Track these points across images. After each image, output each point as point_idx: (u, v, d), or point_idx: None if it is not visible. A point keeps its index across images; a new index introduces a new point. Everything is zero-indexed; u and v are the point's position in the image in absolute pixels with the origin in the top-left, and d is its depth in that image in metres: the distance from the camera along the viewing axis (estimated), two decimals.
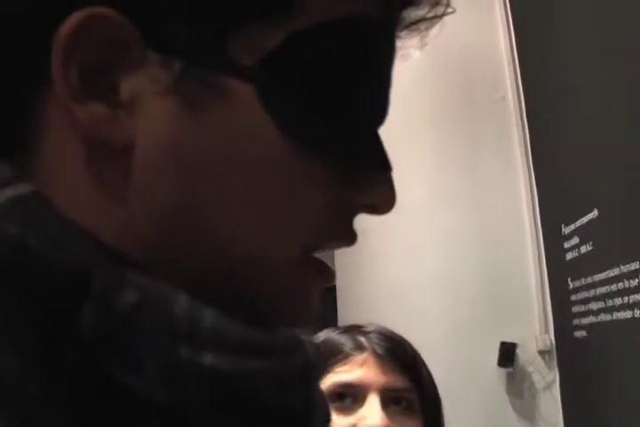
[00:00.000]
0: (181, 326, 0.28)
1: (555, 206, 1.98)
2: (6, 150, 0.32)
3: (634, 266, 1.39)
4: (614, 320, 1.52)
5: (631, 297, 1.41)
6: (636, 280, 1.38)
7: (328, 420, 0.34)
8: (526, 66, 2.18)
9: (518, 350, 2.04)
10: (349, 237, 0.35)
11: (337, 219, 0.34)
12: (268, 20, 0.30)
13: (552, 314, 2.05)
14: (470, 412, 2.00)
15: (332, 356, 0.94)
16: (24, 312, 0.26)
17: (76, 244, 0.28)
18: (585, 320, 1.72)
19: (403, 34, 0.36)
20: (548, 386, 2.05)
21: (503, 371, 2.04)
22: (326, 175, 0.32)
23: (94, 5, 0.28)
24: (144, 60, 0.29)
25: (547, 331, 2.06)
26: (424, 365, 1.01)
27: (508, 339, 2.03)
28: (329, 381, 0.91)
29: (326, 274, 0.35)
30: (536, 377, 2.06)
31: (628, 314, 1.43)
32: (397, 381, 0.95)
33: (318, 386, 0.33)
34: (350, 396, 0.93)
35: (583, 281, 1.72)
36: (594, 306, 1.65)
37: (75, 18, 0.28)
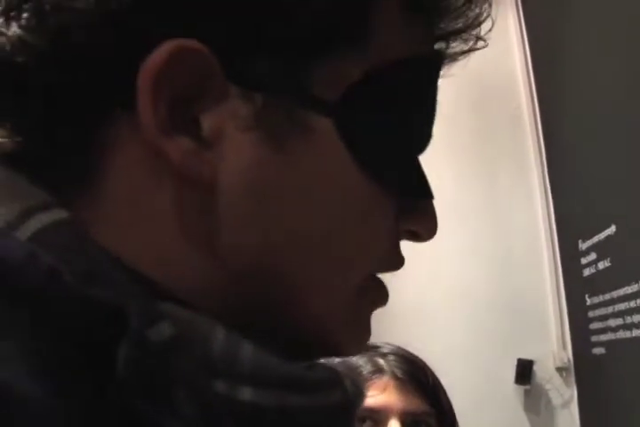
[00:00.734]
0: (219, 361, 0.27)
1: (572, 222, 1.96)
2: (56, 180, 0.30)
3: None
4: (634, 337, 1.50)
5: None
6: None
7: None
8: (541, 79, 2.18)
9: (535, 368, 2.02)
10: (401, 261, 0.36)
11: (394, 247, 0.35)
12: (346, 55, 0.30)
13: (570, 331, 2.03)
14: None
15: None
16: (57, 347, 0.25)
17: (111, 276, 0.27)
18: (603, 337, 1.71)
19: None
20: (566, 404, 2.02)
21: (520, 388, 2.02)
22: (392, 205, 0.33)
23: (178, 37, 0.28)
24: (226, 93, 0.29)
25: (564, 348, 2.04)
26: (442, 388, 1.00)
27: (525, 356, 2.02)
28: None
29: (384, 293, 0.36)
30: (554, 395, 2.04)
31: None
32: (418, 405, 0.95)
33: (356, 421, 0.32)
34: (371, 420, 0.92)
35: (601, 297, 1.71)
36: (612, 323, 1.63)
37: (165, 49, 0.28)
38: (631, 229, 1.51)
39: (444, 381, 2.10)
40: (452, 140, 2.19)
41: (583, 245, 1.81)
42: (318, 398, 0.29)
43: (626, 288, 1.53)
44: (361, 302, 0.34)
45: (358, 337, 0.35)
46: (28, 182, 0.29)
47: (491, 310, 2.07)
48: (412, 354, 1.01)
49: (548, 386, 2.04)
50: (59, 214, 0.28)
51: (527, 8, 2.27)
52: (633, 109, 1.45)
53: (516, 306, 2.07)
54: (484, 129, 2.22)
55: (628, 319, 1.53)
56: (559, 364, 2.03)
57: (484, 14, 0.37)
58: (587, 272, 1.81)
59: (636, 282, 1.46)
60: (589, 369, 1.88)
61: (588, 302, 1.81)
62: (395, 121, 0.33)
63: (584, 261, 1.81)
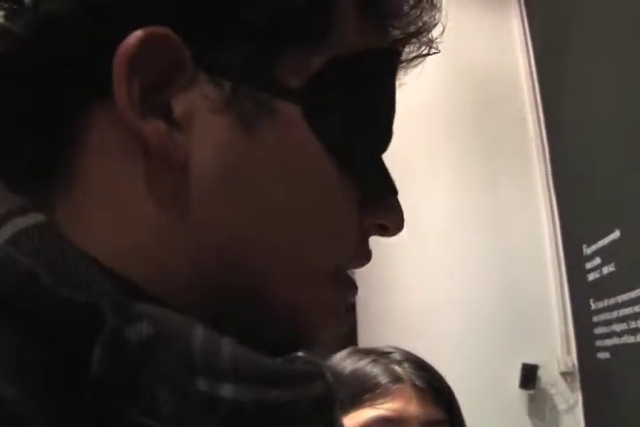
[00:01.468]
0: (199, 359, 0.27)
1: (576, 227, 1.97)
2: (28, 172, 0.32)
3: None
4: (639, 342, 1.50)
5: None
6: None
7: None
8: (545, 86, 2.18)
9: (540, 372, 2.02)
10: (368, 256, 0.37)
11: (362, 238, 0.36)
12: (308, 46, 0.32)
13: (574, 335, 2.03)
14: None
15: (368, 388, 0.90)
16: (33, 348, 0.25)
17: (88, 278, 0.27)
18: (608, 342, 1.71)
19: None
20: (571, 408, 2.02)
21: (525, 393, 2.02)
22: (355, 196, 0.34)
23: (149, 25, 0.29)
24: (195, 79, 0.30)
25: (569, 352, 2.04)
26: (454, 394, 0.99)
27: (530, 360, 2.01)
28: (368, 415, 0.88)
29: (353, 289, 0.36)
30: (558, 399, 2.04)
31: None
32: (436, 413, 0.93)
33: (339, 414, 0.33)
34: None
35: (606, 302, 1.71)
36: (617, 327, 1.63)
37: (137, 36, 0.29)
38: (635, 233, 1.51)
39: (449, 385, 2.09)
40: (455, 147, 2.20)
41: (588, 250, 1.82)
42: (299, 391, 0.30)
43: (630, 293, 1.53)
44: (330, 292, 0.35)
45: (327, 327, 0.36)
46: (3, 188, 0.30)
47: (495, 314, 2.07)
48: (424, 360, 0.99)
49: (552, 391, 2.04)
50: (35, 218, 0.28)
51: (531, 14, 2.27)
52: (637, 115, 1.46)
53: (520, 310, 2.07)
54: (487, 135, 2.22)
55: (633, 324, 1.53)
56: (564, 369, 2.02)
57: (434, 21, 0.39)
58: (591, 277, 1.81)
59: None
60: (594, 374, 1.88)
61: (593, 306, 1.81)
62: (355, 111, 0.34)
63: (589, 265, 1.81)
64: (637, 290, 1.48)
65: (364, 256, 0.37)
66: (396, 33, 0.38)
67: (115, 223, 0.31)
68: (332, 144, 0.33)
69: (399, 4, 0.37)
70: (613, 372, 1.71)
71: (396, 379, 0.92)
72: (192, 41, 0.30)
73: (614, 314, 1.65)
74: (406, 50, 0.39)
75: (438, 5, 0.39)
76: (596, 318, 1.79)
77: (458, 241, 2.14)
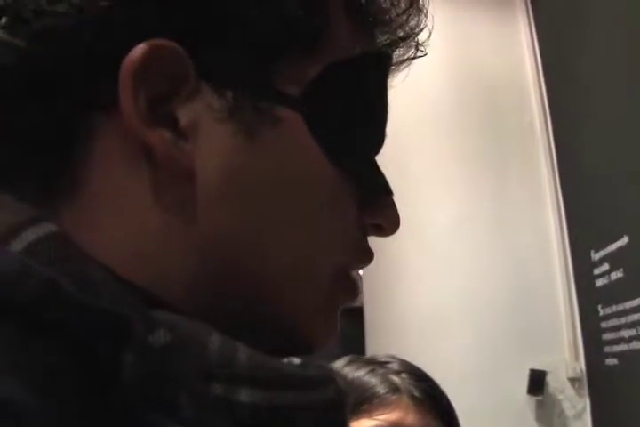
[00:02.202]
0: (215, 364, 0.28)
1: (584, 232, 1.96)
2: (34, 183, 0.32)
3: None
4: None
5: None
6: None
7: None
8: (553, 91, 2.18)
9: (548, 378, 2.01)
10: (371, 255, 0.38)
11: (362, 238, 0.37)
12: (305, 54, 0.33)
13: (582, 341, 2.02)
14: None
15: (366, 398, 0.90)
16: (60, 358, 0.25)
17: (105, 285, 0.28)
18: (616, 348, 1.70)
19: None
20: (579, 414, 2.01)
21: (533, 399, 2.01)
22: (354, 197, 0.36)
23: (153, 37, 0.30)
24: (199, 89, 0.31)
25: (577, 358, 2.03)
26: (452, 406, 0.99)
27: (538, 366, 2.01)
28: (365, 425, 0.88)
29: (355, 293, 0.37)
30: (566, 405, 2.03)
31: None
32: (434, 424, 0.93)
33: (348, 418, 0.33)
34: None
35: (614, 308, 1.70)
36: (625, 333, 1.63)
37: (142, 48, 0.30)
38: None
39: (457, 391, 2.09)
40: (463, 152, 2.20)
41: (596, 256, 1.81)
42: (313, 395, 0.30)
43: (639, 299, 1.53)
44: (332, 295, 0.36)
45: (327, 330, 0.36)
46: (12, 198, 0.30)
47: (503, 319, 2.07)
48: (422, 371, 0.99)
49: (560, 396, 2.03)
50: (47, 228, 0.29)
51: (539, 20, 2.28)
52: None
53: (528, 316, 2.07)
54: (495, 140, 2.22)
55: None
56: (572, 374, 2.02)
57: (421, 25, 0.40)
58: (599, 283, 1.80)
59: None
60: (602, 380, 1.88)
61: (601, 312, 1.81)
62: (351, 115, 0.35)
63: (597, 271, 1.81)
64: None
65: (367, 255, 0.38)
66: (385, 37, 0.39)
67: (120, 231, 0.31)
68: (331, 148, 0.34)
69: (387, 11, 0.38)
70: (621, 378, 1.71)
71: (394, 389, 0.91)
72: (194, 53, 0.31)
73: (623, 320, 1.65)
74: (395, 53, 0.41)
75: (424, 10, 0.40)
76: (604, 324, 1.79)
77: (465, 246, 2.14)
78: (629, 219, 1.58)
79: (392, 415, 0.89)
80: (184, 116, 0.31)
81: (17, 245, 0.28)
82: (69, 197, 0.32)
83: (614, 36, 1.65)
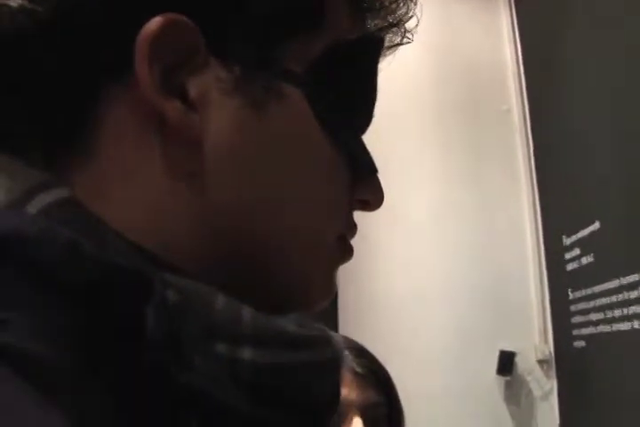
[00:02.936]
0: (220, 324, 0.29)
1: (557, 218, 2.00)
2: (47, 148, 0.34)
3: (634, 278, 1.41)
4: (613, 331, 1.54)
5: (631, 309, 1.43)
6: (636, 292, 1.40)
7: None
8: (532, 78, 2.21)
9: (517, 359, 2.06)
10: (355, 229, 0.41)
11: (352, 212, 0.40)
12: (308, 33, 0.35)
13: (552, 324, 2.06)
14: (469, 419, 2.02)
15: None
16: (85, 313, 0.27)
17: (118, 247, 0.29)
18: (584, 331, 1.74)
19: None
20: (546, 395, 2.06)
21: (502, 379, 2.06)
22: (347, 173, 0.38)
23: (166, 12, 0.31)
24: (208, 63, 0.33)
25: (546, 341, 2.07)
26: (392, 380, 1.03)
27: (508, 348, 2.05)
28: None
29: (351, 253, 0.40)
30: (534, 386, 2.08)
31: (627, 325, 1.45)
32: (375, 397, 0.97)
33: (342, 378, 0.35)
34: None
35: (583, 292, 1.74)
36: (593, 317, 1.67)
37: (157, 21, 0.31)
38: (615, 225, 1.54)
39: (429, 370, 2.13)
40: (441, 138, 2.22)
41: (567, 241, 1.85)
42: (312, 354, 0.32)
43: (607, 283, 1.56)
44: (331, 258, 0.39)
45: (326, 289, 0.39)
46: (24, 164, 0.32)
47: (475, 302, 2.10)
48: (363, 346, 1.02)
49: (528, 378, 2.08)
50: (60, 193, 0.31)
51: (520, 7, 2.29)
52: (620, 108, 1.48)
53: (499, 299, 2.10)
54: (473, 126, 2.24)
55: (609, 314, 1.56)
56: (540, 356, 2.06)
57: (410, 12, 0.42)
58: (570, 267, 1.84)
59: (618, 278, 1.49)
60: (570, 362, 1.92)
61: (571, 296, 1.84)
62: (347, 94, 0.37)
63: (568, 256, 1.85)
64: (614, 280, 1.52)
65: (355, 229, 0.40)
66: (375, 23, 0.41)
67: (130, 197, 0.33)
68: (328, 125, 0.36)
69: None
70: (588, 360, 1.75)
71: None
72: (205, 28, 0.32)
73: (591, 304, 1.68)
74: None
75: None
76: (573, 308, 1.83)
77: (440, 230, 2.16)
78: (601, 205, 1.61)
79: None
80: (194, 87, 0.32)
81: (31, 209, 0.30)
82: (80, 165, 0.33)
83: (595, 22, 1.66)
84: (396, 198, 2.07)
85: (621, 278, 1.47)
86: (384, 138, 2.06)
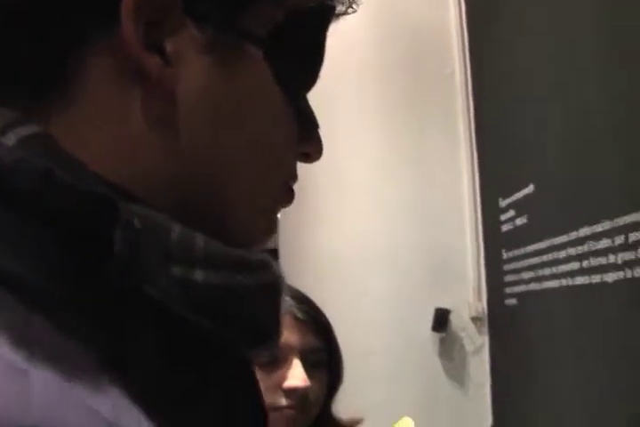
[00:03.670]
0: (176, 249, 0.33)
1: (493, 181, 2.05)
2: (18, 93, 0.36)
3: (563, 239, 1.47)
4: (543, 289, 1.60)
5: (559, 268, 1.49)
6: (564, 252, 1.46)
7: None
8: (475, 42, 2.23)
9: (452, 317, 2.13)
10: (297, 179, 0.45)
11: (295, 163, 0.44)
12: (273, 2, 0.39)
13: (485, 283, 2.13)
14: (405, 373, 2.09)
15: None
16: (58, 236, 0.30)
17: (89, 178, 0.33)
18: (516, 289, 1.81)
19: None
20: (478, 350, 2.14)
21: (437, 335, 2.13)
22: (295, 128, 0.42)
23: None
24: (184, 24, 0.36)
25: (480, 299, 2.15)
26: (331, 325, 1.07)
27: (443, 305, 2.12)
28: None
29: (292, 198, 0.45)
30: (467, 342, 2.16)
31: (556, 283, 1.51)
32: (315, 342, 1.02)
33: (284, 302, 0.39)
34: None
35: (516, 252, 1.80)
36: (525, 275, 1.73)
37: None
38: (548, 188, 1.59)
39: (368, 327, 2.18)
40: (383, 100, 2.24)
41: (503, 203, 1.90)
42: (258, 277, 0.36)
43: (539, 244, 1.61)
44: (275, 201, 0.43)
45: (267, 229, 0.43)
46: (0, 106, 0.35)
47: (412, 261, 2.15)
48: (304, 294, 1.07)
49: (462, 334, 2.15)
50: (32, 129, 0.34)
51: None
52: (560, 75, 1.52)
53: (436, 258, 2.16)
54: (415, 89, 2.26)
55: (539, 272, 1.62)
56: (474, 314, 2.14)
57: None
58: (504, 228, 1.90)
59: (549, 238, 1.55)
60: (501, 319, 1.99)
61: (504, 256, 1.90)
62: (300, 56, 0.41)
63: (503, 217, 1.90)
64: (546, 241, 1.57)
65: (295, 178, 0.45)
66: None
67: (104, 136, 0.36)
68: (283, 82, 0.40)
69: None
70: (519, 317, 1.82)
71: None
72: None
73: (523, 263, 1.74)
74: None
75: None
76: (506, 267, 1.89)
77: (380, 191, 2.20)
78: (536, 169, 1.65)
79: None
80: (171, 45, 0.36)
81: (6, 141, 0.33)
82: (61, 108, 0.36)
83: None
84: (338, 158, 2.09)
85: (552, 239, 1.53)
86: (327, 99, 2.06)
